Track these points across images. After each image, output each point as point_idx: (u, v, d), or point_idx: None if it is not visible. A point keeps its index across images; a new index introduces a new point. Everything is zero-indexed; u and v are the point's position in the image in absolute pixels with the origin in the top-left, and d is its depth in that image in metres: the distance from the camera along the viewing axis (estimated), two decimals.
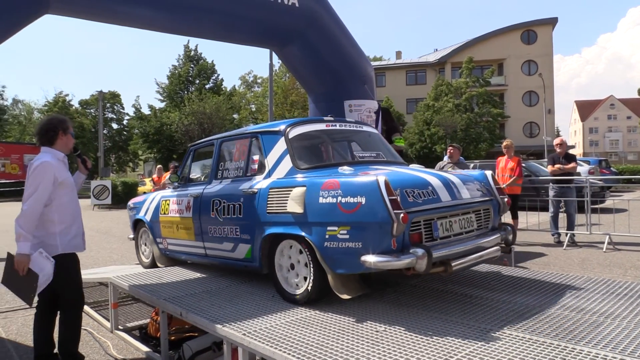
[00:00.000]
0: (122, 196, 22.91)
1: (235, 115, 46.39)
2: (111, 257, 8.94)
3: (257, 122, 46.37)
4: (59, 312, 3.62)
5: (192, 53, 43.12)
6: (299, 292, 3.56)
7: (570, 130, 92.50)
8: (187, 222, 4.64)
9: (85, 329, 4.93)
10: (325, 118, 4.33)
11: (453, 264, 3.26)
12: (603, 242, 8.53)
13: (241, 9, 6.41)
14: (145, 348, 4.32)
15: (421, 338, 2.76)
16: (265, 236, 3.72)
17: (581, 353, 2.49)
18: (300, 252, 3.55)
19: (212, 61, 44.03)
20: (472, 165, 16.06)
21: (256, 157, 4.10)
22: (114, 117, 52.34)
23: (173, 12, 5.99)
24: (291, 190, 3.52)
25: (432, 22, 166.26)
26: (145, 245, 5.75)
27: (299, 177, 3.63)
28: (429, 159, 38.37)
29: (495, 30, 46.49)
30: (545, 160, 16.92)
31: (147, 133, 39.52)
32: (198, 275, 4.65)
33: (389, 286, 3.92)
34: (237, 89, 49.15)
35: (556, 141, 9.29)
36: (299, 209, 3.44)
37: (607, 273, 6.54)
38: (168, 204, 5.02)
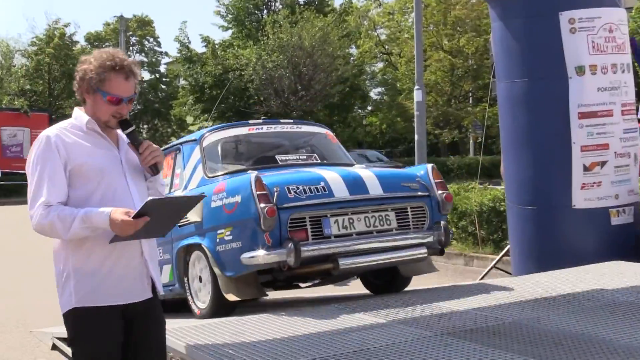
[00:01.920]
0: None
1: (352, 49, 46.67)
2: None
3: (389, 60, 46.49)
4: None
5: None
6: (204, 305, 5.88)
7: None
8: None
9: None
10: (251, 122, 6.79)
11: (341, 262, 5.49)
12: None
13: None
14: None
15: None
16: (177, 251, 6.01)
17: None
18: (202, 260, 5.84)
19: None
20: None
21: (178, 171, 6.36)
22: (145, 60, 54.59)
23: None
24: None
25: None
26: None
27: (204, 186, 5.80)
28: None
29: None
30: None
31: (202, 85, 40.98)
32: (300, 329, 4.83)
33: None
34: (354, 3, 49.51)
35: None
36: (198, 218, 5.62)
37: None
38: None
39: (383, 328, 4.77)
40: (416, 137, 21.30)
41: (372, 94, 52.98)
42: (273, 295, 8.96)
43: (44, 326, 7.96)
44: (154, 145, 3.66)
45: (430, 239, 5.99)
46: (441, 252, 6.28)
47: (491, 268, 9.56)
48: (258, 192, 5.24)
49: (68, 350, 6.34)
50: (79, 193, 3.51)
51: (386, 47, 47.36)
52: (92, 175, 3.55)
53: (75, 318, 3.54)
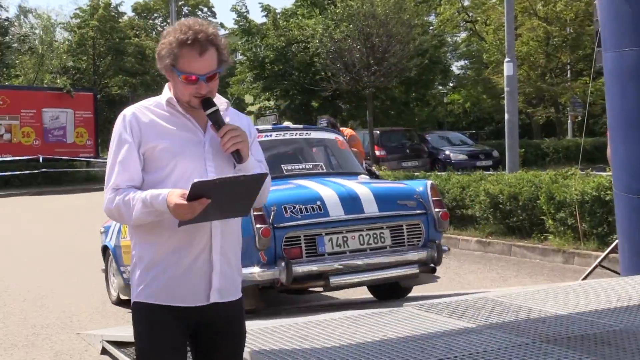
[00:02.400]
0: None
1: (431, 17, 46.38)
2: None
3: (474, 28, 46.08)
4: None
5: None
6: None
7: None
8: None
9: None
10: (260, 127, 7.54)
11: (332, 280, 6.62)
12: None
13: None
14: None
15: None
16: None
17: None
18: None
19: None
20: None
21: None
22: None
23: None
24: None
25: None
26: (114, 275, 9.37)
27: None
28: None
29: None
30: None
31: (262, 60, 41.20)
32: (375, 333, 4.79)
33: None
34: None
35: None
36: None
37: None
38: None
39: (472, 333, 4.74)
40: (506, 116, 21.02)
41: (454, 68, 52.78)
42: (336, 294, 8.97)
43: (91, 328, 8.09)
44: (238, 130, 3.53)
45: (423, 257, 7.05)
46: (433, 270, 7.20)
47: (596, 266, 9.42)
48: (254, 213, 6.24)
49: (118, 354, 6.45)
50: (151, 177, 3.58)
51: (470, 14, 47.04)
52: (165, 159, 3.58)
53: (137, 313, 3.67)
